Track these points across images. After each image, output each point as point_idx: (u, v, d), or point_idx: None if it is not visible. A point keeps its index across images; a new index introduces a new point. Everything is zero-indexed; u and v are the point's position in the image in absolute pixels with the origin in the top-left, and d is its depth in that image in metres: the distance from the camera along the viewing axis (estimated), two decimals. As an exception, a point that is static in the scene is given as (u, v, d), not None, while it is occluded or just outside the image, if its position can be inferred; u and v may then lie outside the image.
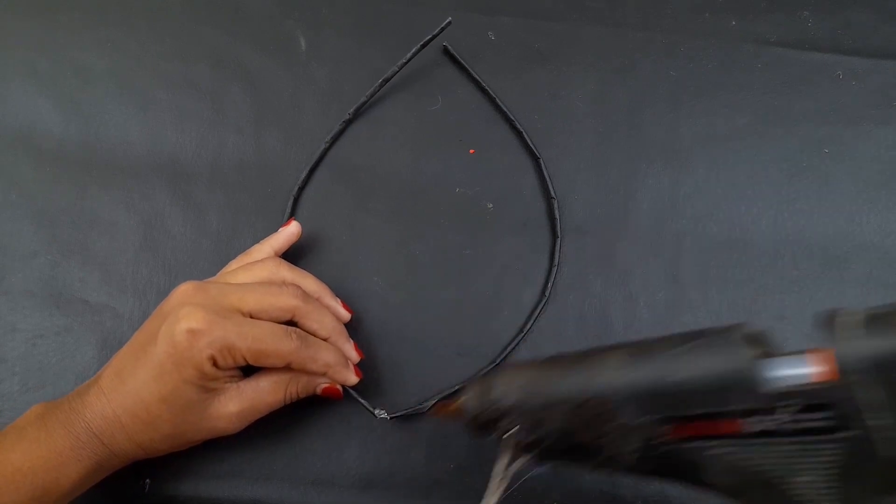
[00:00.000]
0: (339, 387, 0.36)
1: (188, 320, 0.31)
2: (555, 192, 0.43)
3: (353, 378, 0.36)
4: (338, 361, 0.35)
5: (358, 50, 0.46)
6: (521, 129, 0.44)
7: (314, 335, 0.35)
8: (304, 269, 0.38)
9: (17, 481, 0.29)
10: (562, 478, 0.38)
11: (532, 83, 0.46)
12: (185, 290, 0.33)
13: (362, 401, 0.38)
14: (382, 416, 0.37)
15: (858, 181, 0.45)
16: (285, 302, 0.34)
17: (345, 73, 0.45)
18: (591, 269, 0.42)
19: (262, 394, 0.34)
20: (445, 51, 0.45)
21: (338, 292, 0.40)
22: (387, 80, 0.44)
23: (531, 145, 0.44)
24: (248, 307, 0.33)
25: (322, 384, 0.36)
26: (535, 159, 0.44)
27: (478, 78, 0.45)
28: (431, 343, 0.39)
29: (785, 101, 0.46)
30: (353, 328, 0.40)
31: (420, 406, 0.38)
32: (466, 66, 0.45)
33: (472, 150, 0.44)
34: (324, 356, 0.34)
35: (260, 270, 0.36)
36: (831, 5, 0.49)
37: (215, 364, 0.31)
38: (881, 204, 0.44)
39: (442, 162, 0.44)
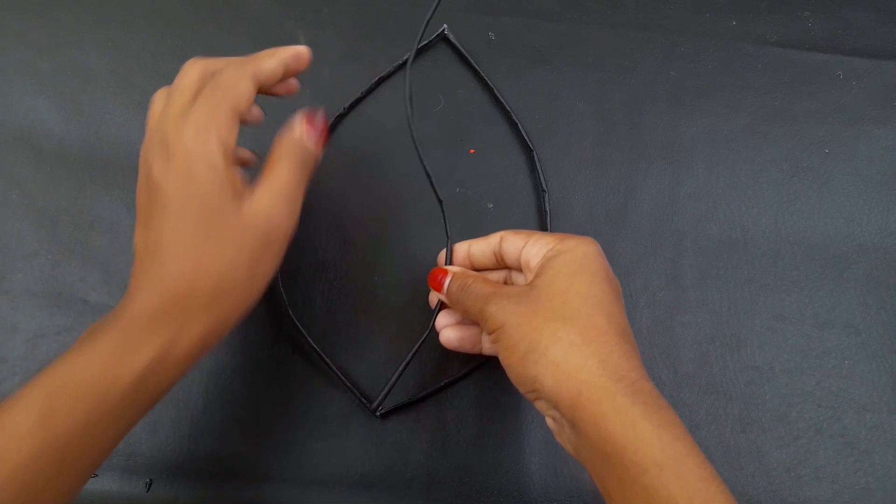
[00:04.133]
0: (295, 82, 0.35)
1: (180, 136, 0.29)
2: (545, 185, 0.43)
3: (302, 48, 0.33)
4: (277, 49, 0.33)
5: (358, 50, 0.46)
6: (517, 121, 0.44)
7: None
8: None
9: (69, 392, 0.26)
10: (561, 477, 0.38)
11: (532, 83, 0.46)
12: (148, 140, 0.30)
13: (362, 399, 0.38)
14: (380, 411, 0.38)
15: (858, 181, 0.45)
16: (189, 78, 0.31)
17: (345, 72, 0.45)
18: (591, 269, 0.42)
19: (274, 165, 0.32)
20: (445, 39, 0.45)
21: (339, 291, 0.40)
22: (382, 80, 0.45)
23: (525, 137, 0.44)
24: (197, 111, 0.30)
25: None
26: (528, 152, 0.44)
27: (476, 67, 0.45)
28: (431, 343, 0.39)
29: (785, 101, 0.46)
30: (353, 328, 0.40)
31: (411, 398, 0.38)
32: (465, 54, 0.45)
33: (472, 150, 0.44)
34: (267, 54, 0.32)
35: (185, 77, 0.32)
36: (831, 5, 0.49)
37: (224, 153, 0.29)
38: (881, 204, 0.44)
39: (442, 162, 0.44)
